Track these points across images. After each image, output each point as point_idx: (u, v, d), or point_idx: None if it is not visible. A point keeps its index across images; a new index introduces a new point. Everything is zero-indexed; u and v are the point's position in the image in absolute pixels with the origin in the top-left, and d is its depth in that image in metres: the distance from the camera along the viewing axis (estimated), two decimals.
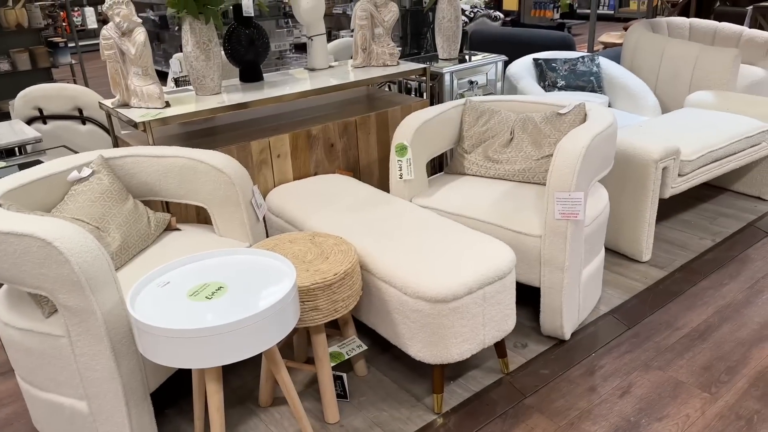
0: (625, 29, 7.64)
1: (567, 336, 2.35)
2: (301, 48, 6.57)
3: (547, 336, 2.40)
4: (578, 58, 3.92)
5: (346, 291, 1.94)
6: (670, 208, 3.51)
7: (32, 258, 1.61)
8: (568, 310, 2.29)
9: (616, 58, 4.37)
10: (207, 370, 1.64)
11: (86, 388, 1.75)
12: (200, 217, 2.60)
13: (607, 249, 3.04)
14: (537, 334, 2.43)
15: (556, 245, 2.17)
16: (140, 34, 2.38)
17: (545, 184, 2.54)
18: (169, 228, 2.30)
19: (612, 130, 2.37)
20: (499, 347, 2.19)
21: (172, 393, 2.21)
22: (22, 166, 2.82)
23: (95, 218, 2.02)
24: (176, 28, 7.39)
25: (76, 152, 3.13)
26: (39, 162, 2.83)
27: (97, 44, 10.33)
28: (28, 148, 3.14)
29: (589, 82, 3.88)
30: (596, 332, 2.44)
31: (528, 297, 2.66)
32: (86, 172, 2.11)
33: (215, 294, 1.65)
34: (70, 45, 6.43)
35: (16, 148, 3.12)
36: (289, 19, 6.38)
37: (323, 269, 1.92)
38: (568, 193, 2.10)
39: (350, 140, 2.96)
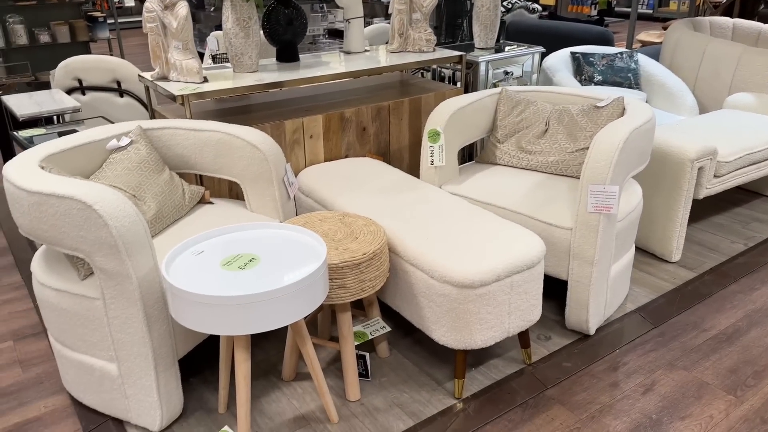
0: (665, 28, 7.50)
1: (592, 331, 2.34)
2: (333, 34, 6.57)
3: (572, 330, 2.39)
4: (616, 53, 3.87)
5: (373, 271, 1.95)
6: (703, 209, 3.46)
7: (72, 220, 1.65)
8: (594, 304, 2.27)
9: (655, 57, 4.29)
10: (236, 338, 1.67)
11: (117, 350, 1.80)
12: (232, 192, 2.63)
13: (636, 247, 3.01)
14: (561, 328, 2.42)
15: (587, 239, 2.16)
16: (182, 8, 2.40)
17: (578, 177, 2.52)
18: (202, 201, 2.33)
19: (650, 125, 2.34)
20: (523, 337, 2.18)
21: (198, 363, 2.25)
22: (61, 134, 2.88)
23: (132, 186, 2.06)
24: (212, 8, 7.45)
25: (113, 123, 3.18)
26: (75, 131, 2.89)
27: (135, 21, 10.47)
28: (67, 117, 3.21)
29: (627, 78, 3.82)
30: (622, 329, 2.42)
31: (553, 290, 2.65)
32: (125, 141, 2.15)
33: (248, 265, 1.68)
34: (108, 21, 6.52)
35: (55, 117, 3.19)
36: (324, 4, 6.38)
37: (352, 248, 1.93)
38: (602, 186, 2.08)
39: (382, 125, 2.96)
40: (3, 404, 2.09)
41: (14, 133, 2.99)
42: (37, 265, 1.95)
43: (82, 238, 1.66)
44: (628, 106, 2.49)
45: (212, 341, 2.37)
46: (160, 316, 1.77)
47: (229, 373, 1.97)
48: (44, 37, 5.85)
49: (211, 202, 2.36)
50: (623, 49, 3.96)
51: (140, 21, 10.57)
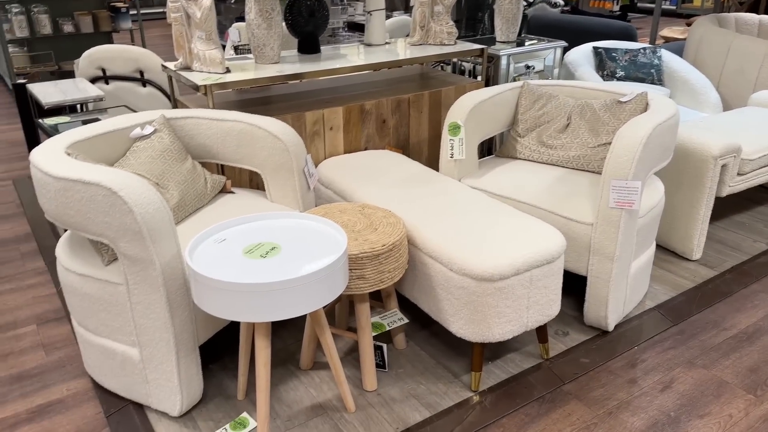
0: (688, 24, 7.39)
1: (610, 327, 2.33)
2: (353, 27, 6.57)
3: (590, 326, 2.38)
4: (639, 49, 3.83)
5: (392, 263, 1.96)
6: (725, 207, 3.42)
7: (97, 206, 1.68)
8: (613, 301, 2.26)
9: (678, 53, 4.24)
10: (257, 325, 1.69)
11: (139, 335, 1.82)
12: (252, 182, 2.65)
13: (657, 244, 2.98)
14: (579, 323, 2.41)
15: (608, 234, 2.15)
16: None
17: (599, 173, 2.50)
18: (223, 190, 2.36)
19: (674, 121, 2.32)
20: (541, 332, 2.18)
21: (218, 350, 2.28)
22: (85, 123, 2.92)
23: (155, 175, 2.08)
24: (232, 0, 7.48)
25: (136, 112, 3.22)
26: (98, 120, 2.93)
27: (157, 12, 10.53)
28: (90, 106, 3.25)
29: (650, 74, 3.78)
30: (640, 326, 2.41)
31: (572, 285, 2.64)
32: (148, 129, 2.17)
33: (269, 253, 1.69)
34: (131, 12, 6.58)
35: (79, 105, 3.23)
36: None
37: (372, 239, 1.94)
38: (625, 182, 2.06)
39: (402, 117, 2.96)
40: (27, 386, 2.14)
41: (39, 120, 3.04)
42: (61, 250, 1.98)
43: (106, 223, 1.69)
44: (652, 101, 2.47)
45: (232, 328, 2.39)
46: (182, 302, 1.79)
47: (248, 360, 1.99)
48: (68, 27, 5.92)
49: (232, 192, 2.38)
50: (646, 45, 3.92)
51: (162, 12, 10.65)
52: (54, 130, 2.84)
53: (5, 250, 3.08)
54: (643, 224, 2.29)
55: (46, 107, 3.04)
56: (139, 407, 2.00)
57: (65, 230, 2.33)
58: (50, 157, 1.81)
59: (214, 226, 1.81)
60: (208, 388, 2.08)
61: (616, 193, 2.08)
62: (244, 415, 1.94)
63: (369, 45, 3.17)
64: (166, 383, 1.88)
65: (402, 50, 3.05)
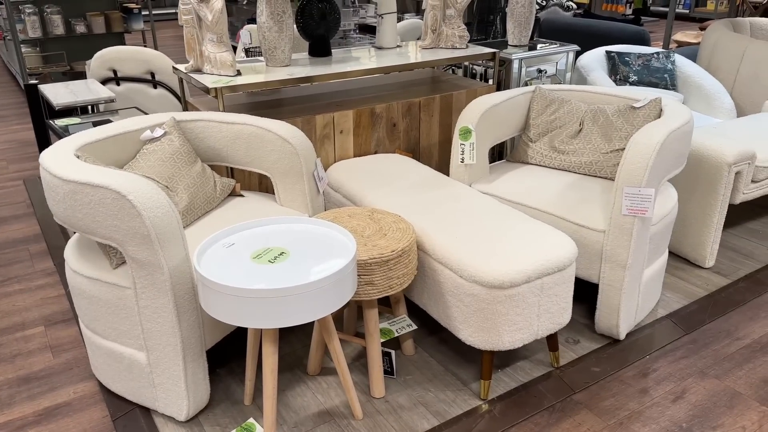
0: (702, 29, 7.33)
1: (622, 336, 2.30)
2: (364, 29, 6.57)
3: (601, 334, 2.35)
4: (653, 53, 3.79)
5: (402, 269, 1.94)
6: (739, 215, 3.38)
7: (106, 209, 1.67)
8: (625, 309, 2.23)
9: (692, 57, 4.19)
10: (265, 331, 1.68)
11: (146, 339, 1.82)
12: (262, 185, 2.64)
13: (669, 252, 2.95)
14: (590, 332, 2.38)
15: (620, 242, 2.12)
16: (218, 1, 2.41)
17: (612, 179, 2.48)
18: (233, 193, 2.35)
19: (688, 127, 2.28)
20: (552, 340, 2.15)
21: (225, 354, 2.27)
22: (96, 124, 2.92)
23: (165, 177, 2.08)
24: (244, 1, 7.50)
25: (146, 114, 3.22)
26: (110, 121, 2.93)
27: (169, 13, 10.58)
28: (101, 107, 3.25)
29: (663, 79, 3.74)
30: (652, 335, 2.38)
31: (583, 293, 2.61)
32: (159, 132, 2.17)
33: (278, 258, 1.68)
34: (143, 12, 6.60)
35: (90, 106, 3.23)
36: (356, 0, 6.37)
37: (381, 245, 1.92)
38: (638, 189, 2.03)
39: (413, 121, 2.94)
40: (34, 388, 2.14)
41: (50, 121, 3.05)
42: (70, 252, 1.98)
43: (115, 227, 1.68)
44: (666, 107, 2.43)
45: (239, 333, 2.38)
46: (189, 307, 1.78)
47: (255, 365, 1.98)
48: (80, 28, 5.94)
49: (241, 195, 2.37)
50: (660, 49, 3.88)
51: (174, 13, 10.69)
52: (64, 131, 2.84)
53: (15, 251, 3.08)
54: (655, 231, 2.26)
55: (57, 108, 3.05)
56: (146, 411, 1.99)
57: (74, 232, 2.33)
58: (60, 160, 1.81)
59: (223, 230, 1.80)
60: (215, 393, 2.07)
61: (629, 200, 2.06)
62: (251, 420, 1.93)
63: (380, 48, 3.15)
64: (173, 387, 1.87)
65: (413, 53, 3.03)
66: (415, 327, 2.12)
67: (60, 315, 2.55)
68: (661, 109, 2.46)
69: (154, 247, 1.66)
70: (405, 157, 2.80)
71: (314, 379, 2.14)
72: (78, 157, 1.88)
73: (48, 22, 5.83)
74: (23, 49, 5.83)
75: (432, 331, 2.39)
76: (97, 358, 2.03)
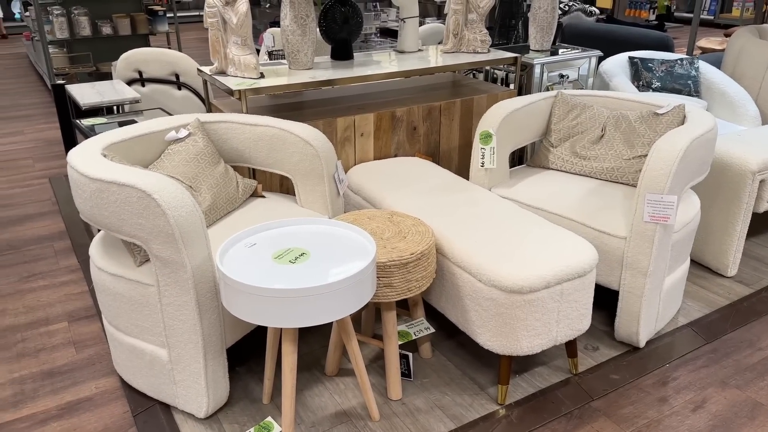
0: (727, 35, 7.24)
1: (642, 343, 2.28)
2: (385, 33, 6.59)
3: (620, 341, 2.34)
4: (677, 60, 3.76)
5: (420, 272, 1.95)
6: (762, 223, 3.33)
7: (132, 208, 1.70)
8: (645, 316, 2.21)
9: (716, 64, 4.14)
10: (285, 330, 1.69)
11: (168, 336, 1.84)
12: (282, 186, 2.67)
13: (691, 260, 2.92)
14: (609, 339, 2.36)
15: (642, 249, 2.10)
16: (243, 4, 2.45)
17: (634, 185, 2.46)
18: (254, 194, 2.37)
19: (712, 134, 2.26)
20: (570, 346, 2.14)
21: (244, 353, 2.29)
22: (121, 124, 2.97)
23: (189, 177, 2.11)
24: (267, 5, 7.56)
25: (170, 115, 3.27)
26: (134, 121, 2.98)
27: (192, 16, 10.70)
28: (126, 107, 3.30)
29: (686, 85, 3.71)
30: (672, 343, 2.35)
31: (602, 299, 2.59)
32: (183, 133, 2.20)
33: (298, 259, 1.70)
34: (167, 15, 6.69)
35: (115, 107, 3.29)
36: (377, 3, 6.40)
37: (400, 248, 1.93)
38: (660, 196, 2.02)
39: (433, 125, 2.95)
40: (57, 383, 2.18)
41: (77, 121, 3.10)
42: (95, 249, 2.01)
43: (140, 225, 1.71)
44: (689, 114, 2.41)
45: (258, 332, 2.41)
46: (211, 305, 1.81)
47: (274, 364, 2.00)
48: (106, 29, 6.04)
49: (263, 196, 2.39)
50: (683, 56, 3.84)
51: (197, 16, 10.82)
52: (91, 131, 2.90)
53: (40, 247, 3.14)
54: (678, 239, 2.24)
55: (83, 108, 3.10)
56: (166, 407, 2.02)
57: (99, 230, 2.38)
58: (87, 158, 1.84)
59: (245, 230, 1.82)
60: (233, 391, 2.09)
61: (651, 206, 2.04)
62: (269, 419, 1.95)
63: (402, 52, 3.17)
64: (194, 384, 1.89)
65: (435, 57, 3.04)
66: (433, 330, 2.12)
67: (83, 311, 2.60)
68: (685, 116, 2.44)
69: (178, 246, 1.69)
70: (425, 160, 2.81)
71: (332, 380, 2.15)
72: (105, 156, 1.92)
73: (75, 23, 5.93)
74: (51, 50, 5.94)
75: (449, 335, 2.39)
76: (119, 354, 2.06)
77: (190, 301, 1.75)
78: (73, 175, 1.83)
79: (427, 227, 2.06)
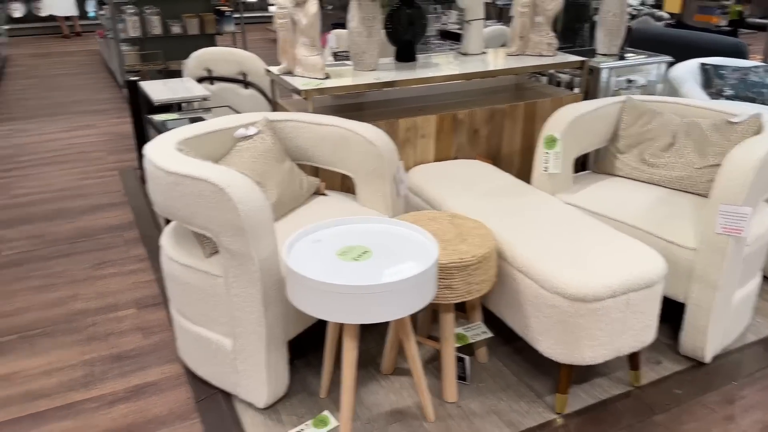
0: None
1: (707, 359, 2.20)
2: (445, 35, 6.57)
3: (685, 356, 2.26)
4: (751, 67, 3.61)
5: (481, 275, 1.94)
6: None
7: (204, 201, 1.76)
8: (713, 331, 2.14)
9: None
10: (346, 326, 1.72)
11: (234, 326, 1.90)
12: (343, 185, 2.70)
13: (763, 276, 2.79)
14: (673, 352, 2.29)
15: (712, 261, 2.03)
16: (313, 6, 2.50)
17: (704, 196, 2.38)
18: (317, 192, 2.42)
19: None
20: (633, 358, 2.09)
21: (303, 347, 2.34)
22: (192, 121, 3.08)
23: (257, 174, 2.16)
24: (329, 6, 7.67)
25: (238, 113, 3.36)
26: (203, 119, 3.07)
27: (257, 16, 10.95)
28: (195, 104, 3.41)
29: (761, 94, 3.56)
30: (741, 360, 2.27)
31: (666, 311, 2.51)
32: (252, 130, 2.26)
33: (362, 256, 1.72)
34: (234, 15, 6.88)
35: (185, 103, 3.40)
36: (438, 5, 6.39)
37: (461, 250, 1.93)
38: (734, 207, 1.95)
39: (495, 128, 2.93)
40: (125, 366, 2.27)
41: (149, 116, 3.23)
42: (166, 240, 2.09)
43: (212, 218, 1.77)
44: (767, 123, 2.32)
45: (318, 327, 2.45)
46: (276, 298, 1.85)
47: (333, 359, 2.03)
48: (176, 29, 6.26)
49: (325, 194, 2.43)
50: (759, 63, 3.69)
51: (262, 16, 11.06)
52: (162, 126, 3.01)
53: (111, 236, 3.29)
54: (750, 252, 2.15)
55: (155, 104, 3.23)
56: (227, 396, 2.08)
57: (167, 222, 2.47)
58: (163, 152, 1.92)
59: (311, 226, 1.86)
60: (292, 384, 2.14)
61: (724, 218, 1.98)
62: (326, 413, 1.98)
63: (465, 54, 3.16)
64: (255, 374, 1.94)
65: (499, 60, 3.02)
66: (490, 334, 2.11)
67: (150, 299, 2.70)
68: (761, 125, 2.34)
69: (247, 239, 1.74)
70: (485, 163, 2.79)
71: (387, 378, 2.17)
72: (180, 150, 1.99)
73: (147, 22, 6.17)
74: (123, 48, 6.20)
75: (507, 341, 2.37)
76: (185, 341, 2.13)
77: (257, 293, 1.80)
78: (150, 168, 1.91)
79: (488, 230, 2.05)
